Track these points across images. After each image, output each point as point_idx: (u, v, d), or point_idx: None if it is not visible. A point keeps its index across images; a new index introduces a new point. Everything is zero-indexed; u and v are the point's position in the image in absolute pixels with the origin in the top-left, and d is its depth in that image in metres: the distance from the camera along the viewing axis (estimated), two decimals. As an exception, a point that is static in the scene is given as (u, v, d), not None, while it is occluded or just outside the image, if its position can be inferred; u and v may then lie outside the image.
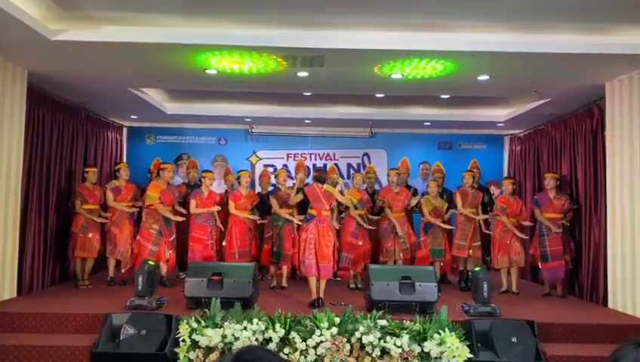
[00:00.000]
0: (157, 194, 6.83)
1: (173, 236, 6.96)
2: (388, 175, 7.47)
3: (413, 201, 7.33)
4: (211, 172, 7.34)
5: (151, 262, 5.75)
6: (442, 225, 7.17)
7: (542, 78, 6.17)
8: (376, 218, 7.27)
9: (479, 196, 7.32)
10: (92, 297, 6.19)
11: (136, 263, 6.47)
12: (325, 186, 6.13)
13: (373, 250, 7.27)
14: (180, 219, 6.97)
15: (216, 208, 7.05)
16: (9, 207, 5.78)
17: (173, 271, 7.39)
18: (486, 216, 7.33)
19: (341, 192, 6.38)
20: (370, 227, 7.08)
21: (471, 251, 7.10)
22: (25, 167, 6.13)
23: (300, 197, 6.56)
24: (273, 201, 6.99)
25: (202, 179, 7.16)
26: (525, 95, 7.35)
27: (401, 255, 6.99)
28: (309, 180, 7.84)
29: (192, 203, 6.96)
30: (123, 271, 7.02)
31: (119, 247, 6.94)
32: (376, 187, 8.39)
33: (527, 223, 7.04)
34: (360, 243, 6.95)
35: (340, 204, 6.53)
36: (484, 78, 6.17)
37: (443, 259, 7.22)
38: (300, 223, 6.53)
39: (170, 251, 6.87)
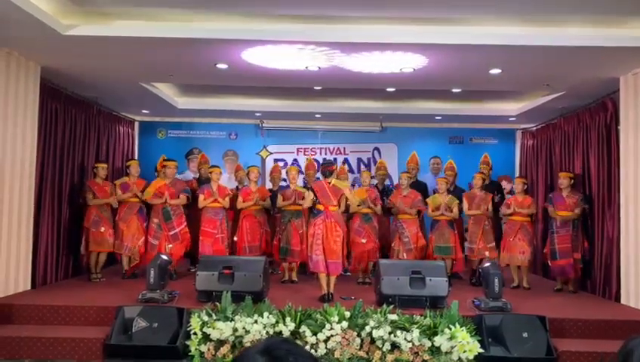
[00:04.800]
0: (153, 189, 6.95)
1: (175, 230, 6.97)
2: (399, 177, 7.43)
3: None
4: (218, 167, 7.37)
5: (163, 256, 5.79)
6: (446, 215, 7.03)
7: (554, 71, 6.10)
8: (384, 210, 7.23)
9: (488, 198, 7.15)
10: (105, 290, 6.26)
11: (147, 258, 6.54)
12: (333, 181, 6.04)
13: (383, 249, 7.22)
14: (185, 197, 7.07)
15: (222, 200, 7.00)
16: (23, 200, 5.85)
17: (182, 264, 7.41)
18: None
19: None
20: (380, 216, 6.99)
21: (487, 253, 6.99)
22: (38, 161, 6.18)
23: (311, 194, 6.54)
24: (279, 197, 7.02)
25: (210, 175, 7.19)
26: (537, 89, 7.27)
27: (405, 255, 6.85)
28: (318, 175, 7.83)
29: (201, 197, 6.99)
30: (131, 266, 7.06)
31: (125, 243, 6.96)
32: (387, 182, 8.35)
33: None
34: (363, 240, 6.83)
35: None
36: (495, 71, 6.11)
37: (451, 257, 7.03)
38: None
39: (171, 245, 6.89)
